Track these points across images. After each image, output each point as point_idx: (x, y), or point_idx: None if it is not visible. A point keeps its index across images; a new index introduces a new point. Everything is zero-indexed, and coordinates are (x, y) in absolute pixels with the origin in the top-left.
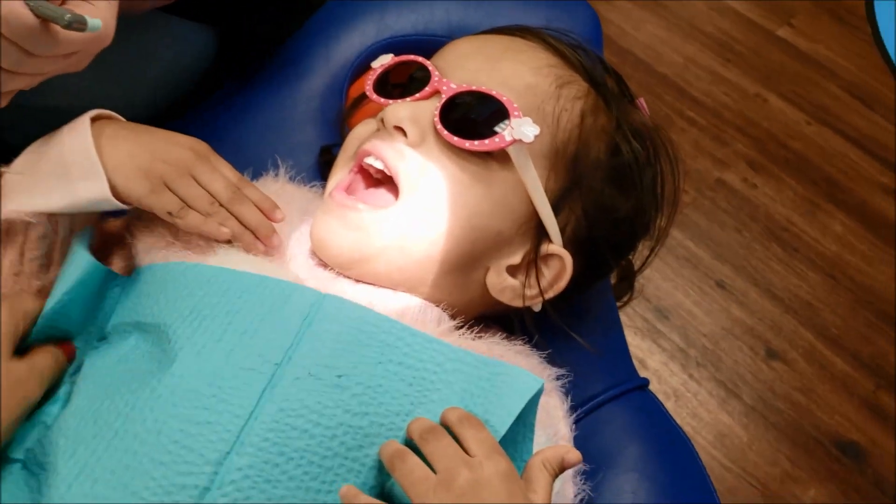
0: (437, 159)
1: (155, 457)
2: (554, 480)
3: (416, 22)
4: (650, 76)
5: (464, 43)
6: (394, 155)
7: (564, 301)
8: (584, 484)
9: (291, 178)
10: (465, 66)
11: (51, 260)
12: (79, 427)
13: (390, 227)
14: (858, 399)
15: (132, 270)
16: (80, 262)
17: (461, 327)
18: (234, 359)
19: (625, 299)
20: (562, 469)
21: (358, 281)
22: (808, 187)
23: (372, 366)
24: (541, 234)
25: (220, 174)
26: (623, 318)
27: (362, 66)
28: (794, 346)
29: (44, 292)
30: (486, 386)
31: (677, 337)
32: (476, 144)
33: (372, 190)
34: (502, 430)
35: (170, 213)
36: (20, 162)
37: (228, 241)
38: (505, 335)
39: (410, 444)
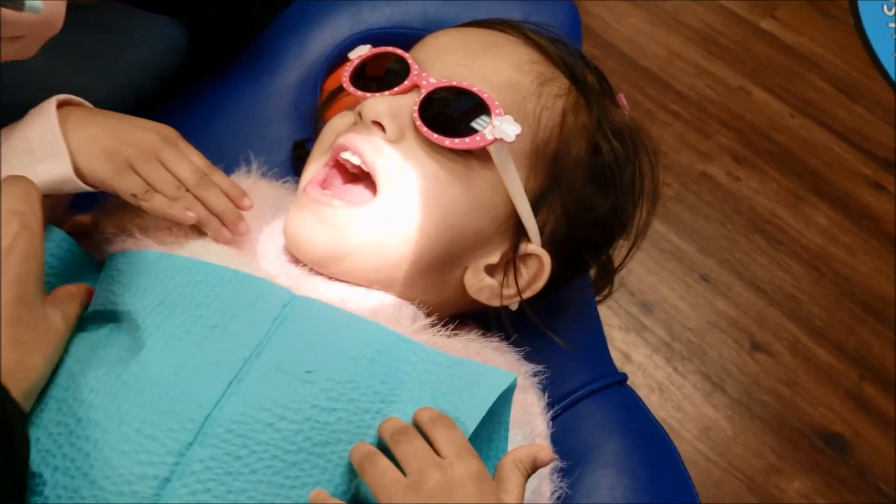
0: (416, 156)
1: (116, 446)
2: (526, 480)
3: (391, 15)
4: (634, 69)
5: (443, 36)
6: (372, 150)
7: (541, 299)
8: (561, 481)
9: (264, 174)
10: (444, 60)
11: None
12: (42, 415)
13: (367, 225)
14: (843, 391)
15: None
16: (57, 237)
17: (436, 325)
18: (202, 351)
19: (604, 293)
20: (534, 468)
21: (331, 278)
22: (792, 180)
23: (343, 362)
24: (519, 233)
25: (187, 159)
26: (607, 312)
27: (337, 60)
28: (779, 338)
29: None
30: (458, 385)
31: (662, 330)
32: (457, 143)
33: (349, 186)
34: (472, 426)
35: (134, 196)
36: None
37: (196, 229)
38: (481, 332)
39: (381, 444)
